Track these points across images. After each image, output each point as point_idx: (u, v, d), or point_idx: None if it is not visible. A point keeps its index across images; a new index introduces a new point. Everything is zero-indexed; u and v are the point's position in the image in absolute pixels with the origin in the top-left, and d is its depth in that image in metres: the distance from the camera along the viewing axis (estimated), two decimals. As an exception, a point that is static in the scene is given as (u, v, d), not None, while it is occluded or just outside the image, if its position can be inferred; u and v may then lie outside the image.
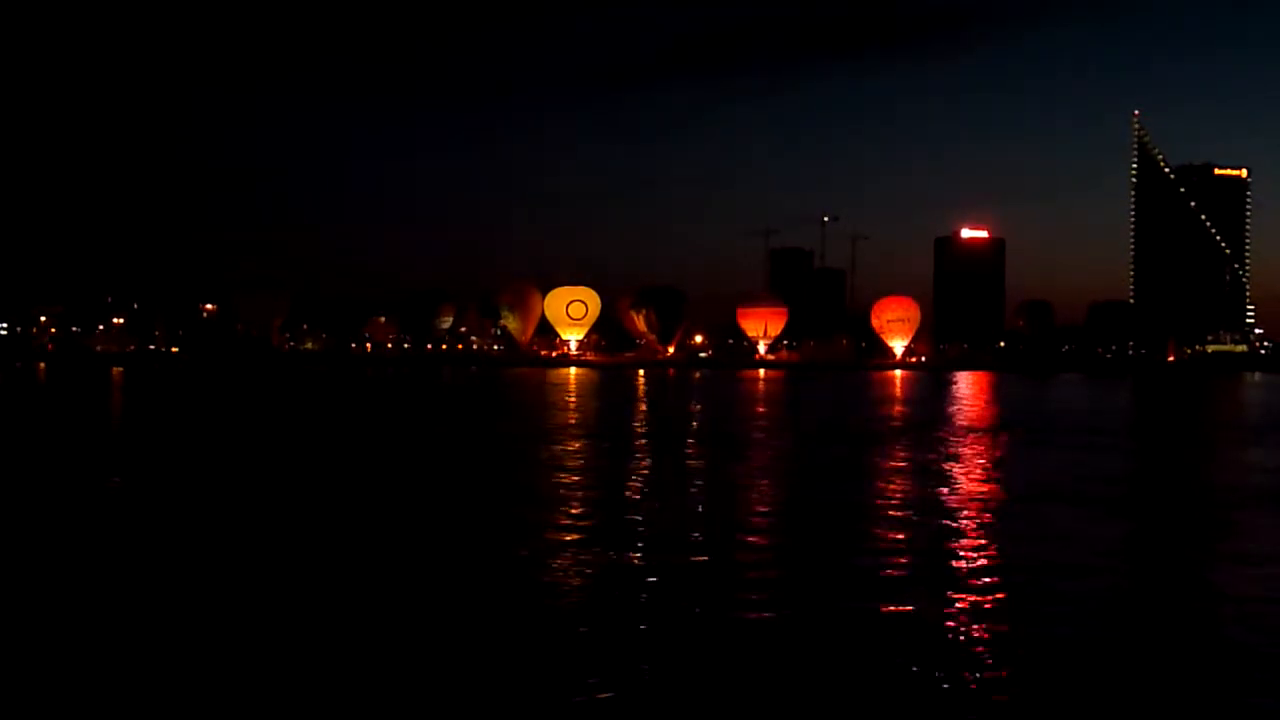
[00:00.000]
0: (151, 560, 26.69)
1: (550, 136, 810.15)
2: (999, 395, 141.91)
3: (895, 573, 25.94)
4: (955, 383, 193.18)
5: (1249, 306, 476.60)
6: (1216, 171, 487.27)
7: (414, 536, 30.28)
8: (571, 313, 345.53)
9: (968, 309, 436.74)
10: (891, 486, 42.19)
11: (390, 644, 19.47)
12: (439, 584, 24.35)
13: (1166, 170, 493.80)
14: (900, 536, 30.85)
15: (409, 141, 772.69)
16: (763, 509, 36.62)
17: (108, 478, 43.05)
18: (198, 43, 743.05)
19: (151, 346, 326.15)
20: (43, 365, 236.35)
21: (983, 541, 30.49)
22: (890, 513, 35.35)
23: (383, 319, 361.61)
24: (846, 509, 36.12)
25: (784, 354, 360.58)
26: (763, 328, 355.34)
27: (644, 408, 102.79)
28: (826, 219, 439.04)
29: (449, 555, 27.60)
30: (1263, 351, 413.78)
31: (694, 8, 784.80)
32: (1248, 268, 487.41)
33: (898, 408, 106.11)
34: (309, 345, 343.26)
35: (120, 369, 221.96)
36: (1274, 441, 69.44)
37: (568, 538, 30.05)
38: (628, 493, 40.12)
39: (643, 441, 62.96)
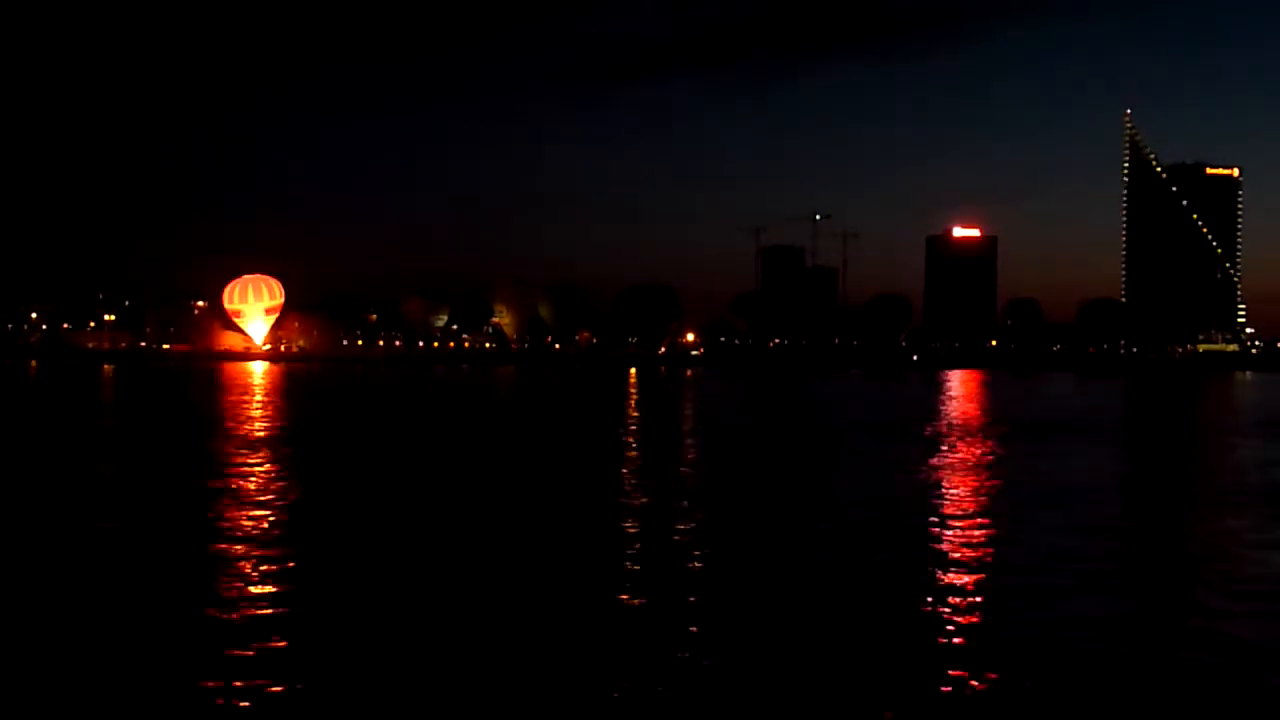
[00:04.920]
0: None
1: (542, 135, 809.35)
2: (993, 395, 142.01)
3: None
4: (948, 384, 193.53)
5: (1240, 305, 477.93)
6: (1208, 171, 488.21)
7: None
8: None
9: (959, 307, 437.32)
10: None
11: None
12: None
13: (1158, 169, 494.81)
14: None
15: (404, 140, 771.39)
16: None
17: (97, 472, 42.85)
18: (193, 41, 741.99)
19: (142, 344, 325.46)
20: (34, 363, 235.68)
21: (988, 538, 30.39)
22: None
23: (375, 317, 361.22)
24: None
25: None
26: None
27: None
28: (818, 217, 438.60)
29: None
30: (1254, 351, 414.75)
31: (686, 6, 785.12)
32: (1239, 267, 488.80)
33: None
34: (301, 343, 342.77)
35: (111, 366, 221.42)
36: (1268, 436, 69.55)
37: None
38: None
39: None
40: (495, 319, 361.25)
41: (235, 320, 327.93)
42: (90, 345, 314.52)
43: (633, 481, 42.26)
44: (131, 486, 39.45)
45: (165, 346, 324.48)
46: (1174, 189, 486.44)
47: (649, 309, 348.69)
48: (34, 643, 19.20)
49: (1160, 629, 21.26)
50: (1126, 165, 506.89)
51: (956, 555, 27.50)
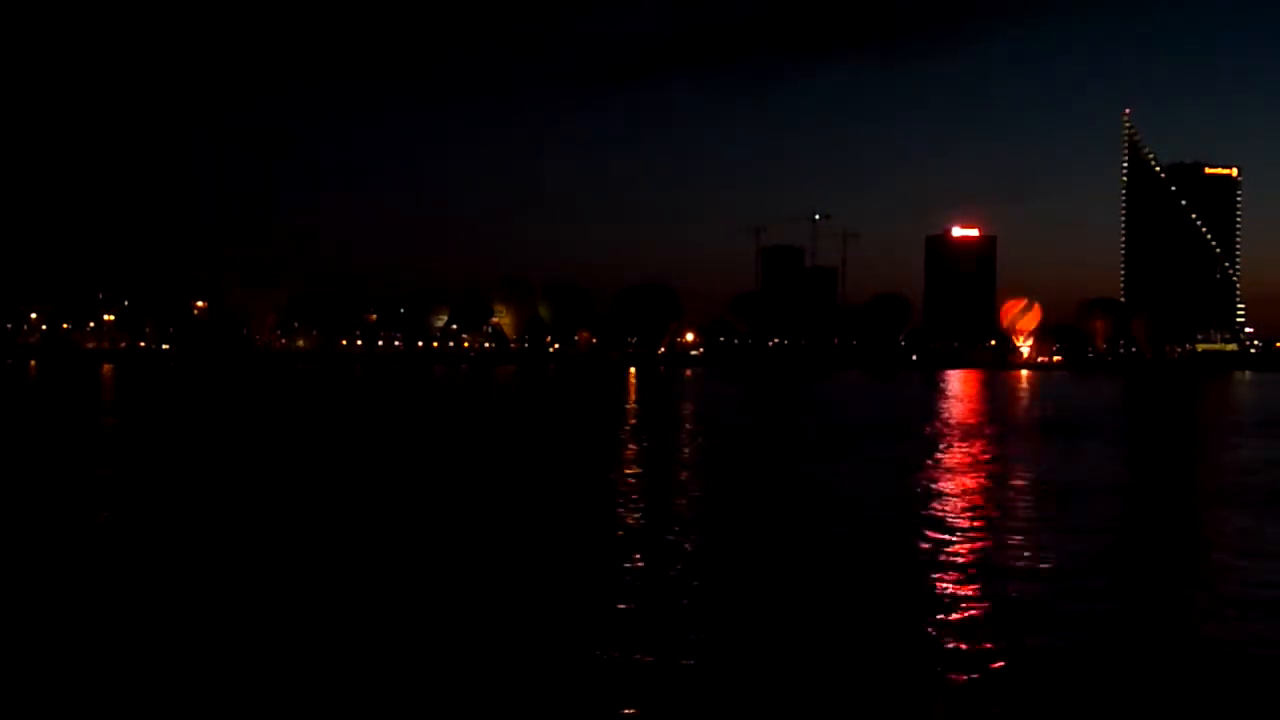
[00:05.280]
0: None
1: (542, 135, 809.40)
2: (992, 395, 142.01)
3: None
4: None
5: (1239, 305, 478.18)
6: (1207, 170, 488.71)
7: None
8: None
9: (959, 307, 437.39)
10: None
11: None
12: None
13: (1157, 169, 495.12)
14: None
15: (405, 140, 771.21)
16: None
17: (98, 472, 42.90)
18: (194, 42, 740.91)
19: (142, 344, 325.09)
20: (34, 363, 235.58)
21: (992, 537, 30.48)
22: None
23: (374, 317, 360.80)
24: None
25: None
26: None
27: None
28: (818, 217, 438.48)
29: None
30: (1253, 350, 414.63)
31: (686, 6, 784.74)
32: (1238, 266, 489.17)
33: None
34: (300, 343, 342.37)
35: (110, 366, 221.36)
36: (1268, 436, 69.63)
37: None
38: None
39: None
40: (495, 319, 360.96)
41: (239, 320, 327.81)
42: (90, 345, 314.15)
43: (631, 483, 42.30)
44: (130, 488, 39.49)
45: (165, 347, 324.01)
46: (1173, 189, 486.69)
47: (649, 309, 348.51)
48: (33, 643, 19.27)
49: (1159, 631, 21.31)
50: (1125, 165, 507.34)
51: (954, 556, 27.55)
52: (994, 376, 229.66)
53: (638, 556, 27.05)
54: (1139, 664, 18.83)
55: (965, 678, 17.67)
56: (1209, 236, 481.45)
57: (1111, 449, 61.72)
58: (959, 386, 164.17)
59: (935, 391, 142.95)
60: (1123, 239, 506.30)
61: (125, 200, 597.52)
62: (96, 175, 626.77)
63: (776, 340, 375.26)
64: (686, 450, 56.55)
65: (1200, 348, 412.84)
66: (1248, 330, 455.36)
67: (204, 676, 17.40)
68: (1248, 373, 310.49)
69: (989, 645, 19.47)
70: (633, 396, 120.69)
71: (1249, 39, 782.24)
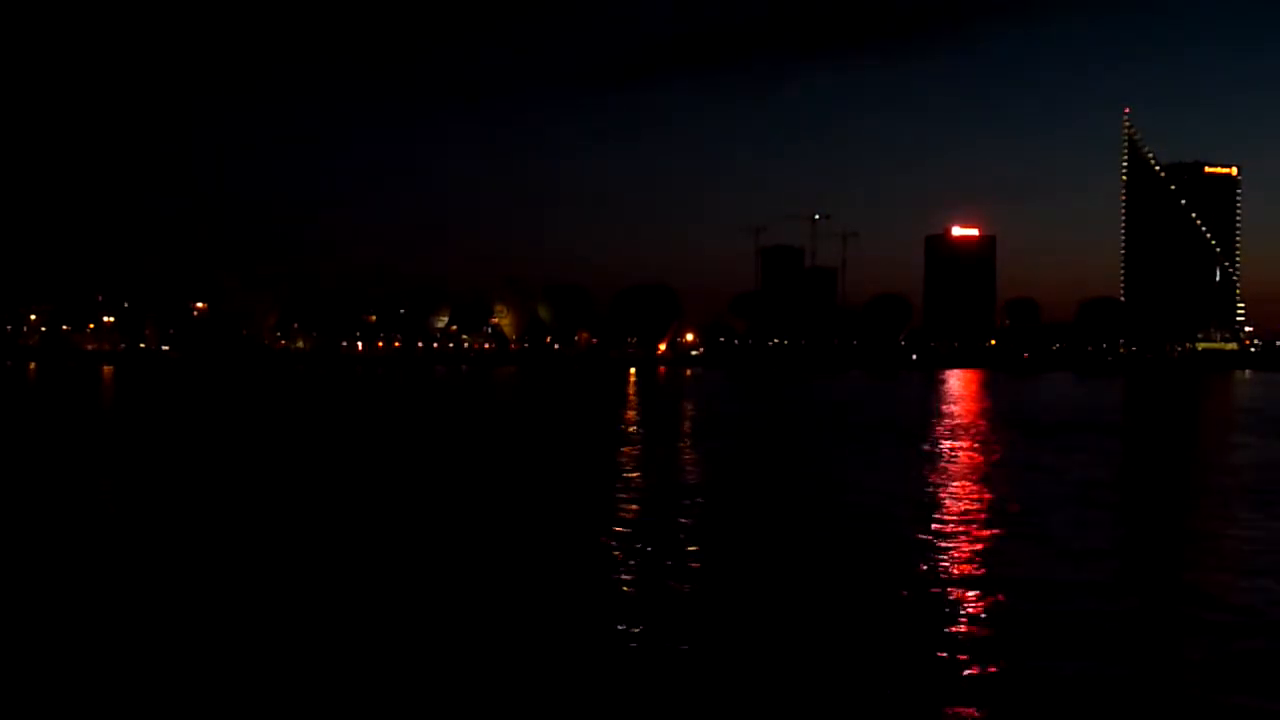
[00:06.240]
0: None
1: (543, 135, 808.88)
2: (993, 395, 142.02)
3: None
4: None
5: (1239, 304, 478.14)
6: (1207, 169, 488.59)
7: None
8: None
9: (958, 307, 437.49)
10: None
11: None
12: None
13: (1157, 168, 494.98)
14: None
15: (404, 140, 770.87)
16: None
17: (98, 478, 42.84)
18: (193, 40, 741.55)
19: (142, 345, 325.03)
20: (34, 365, 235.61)
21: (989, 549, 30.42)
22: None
23: (374, 318, 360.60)
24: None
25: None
26: None
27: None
28: (817, 217, 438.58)
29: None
30: (1253, 349, 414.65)
31: (686, 6, 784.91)
32: (1238, 265, 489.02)
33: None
34: (300, 344, 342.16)
35: (110, 368, 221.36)
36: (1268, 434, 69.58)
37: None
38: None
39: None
40: (495, 319, 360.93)
41: (236, 322, 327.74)
42: (90, 347, 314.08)
43: (630, 485, 42.25)
44: (129, 489, 39.43)
45: (165, 348, 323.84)
46: (1172, 188, 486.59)
47: (649, 309, 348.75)
48: (34, 642, 19.21)
49: (1159, 638, 21.28)
50: (1125, 164, 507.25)
51: (954, 560, 27.48)
52: (994, 376, 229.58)
53: (637, 561, 27.00)
54: (1138, 670, 18.78)
55: (963, 685, 17.63)
56: (1209, 236, 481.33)
57: (1112, 448, 61.66)
58: (959, 387, 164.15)
59: (935, 392, 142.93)
60: (1123, 239, 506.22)
61: (126, 202, 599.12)
62: (97, 176, 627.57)
63: (776, 340, 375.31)
64: (687, 452, 56.46)
65: (1200, 347, 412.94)
66: (1248, 329, 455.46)
67: (204, 676, 17.37)
68: (1248, 372, 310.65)
69: (987, 652, 19.43)
70: (633, 397, 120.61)
71: (1249, 39, 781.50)
